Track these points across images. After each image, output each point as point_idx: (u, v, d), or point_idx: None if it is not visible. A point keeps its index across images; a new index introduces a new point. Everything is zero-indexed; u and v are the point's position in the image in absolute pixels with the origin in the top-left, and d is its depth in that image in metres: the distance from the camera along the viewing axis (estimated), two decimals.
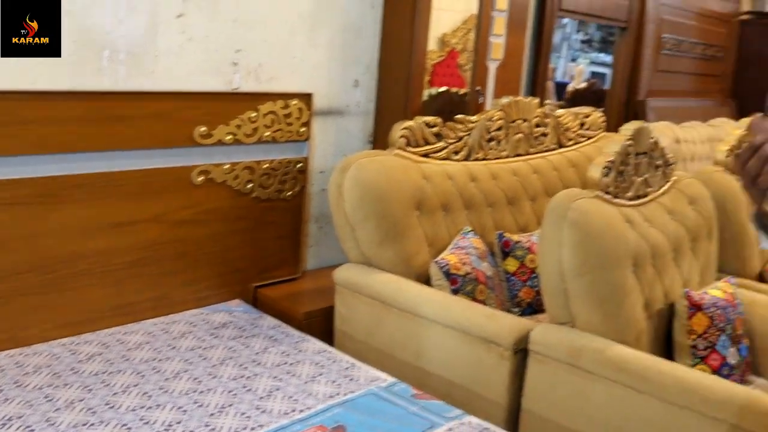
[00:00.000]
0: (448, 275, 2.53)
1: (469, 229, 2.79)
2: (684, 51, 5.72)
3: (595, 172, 2.34)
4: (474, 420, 2.02)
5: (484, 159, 3.04)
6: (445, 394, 2.30)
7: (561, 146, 3.46)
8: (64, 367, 2.17)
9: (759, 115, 3.35)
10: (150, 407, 1.97)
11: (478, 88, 3.55)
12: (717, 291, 2.51)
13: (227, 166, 2.72)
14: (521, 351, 2.26)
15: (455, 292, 2.52)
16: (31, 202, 2.27)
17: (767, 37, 6.41)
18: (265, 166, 2.83)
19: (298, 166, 2.95)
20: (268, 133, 2.80)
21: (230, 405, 2.01)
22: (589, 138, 3.63)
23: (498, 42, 3.58)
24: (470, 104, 3.55)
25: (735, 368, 2.39)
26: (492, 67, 3.61)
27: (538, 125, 3.30)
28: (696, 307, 2.37)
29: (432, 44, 3.36)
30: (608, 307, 2.18)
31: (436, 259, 2.58)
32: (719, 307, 2.41)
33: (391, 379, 2.23)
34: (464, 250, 2.64)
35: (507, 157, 3.15)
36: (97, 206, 2.41)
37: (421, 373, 2.44)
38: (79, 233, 2.39)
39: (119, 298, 2.51)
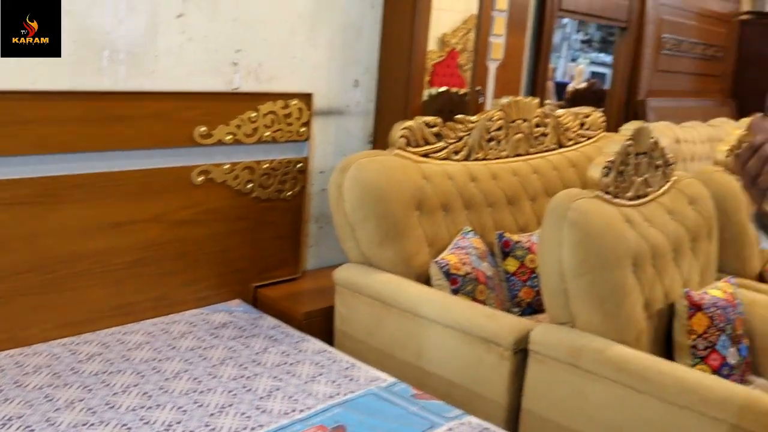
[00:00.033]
0: (448, 275, 2.53)
1: (469, 229, 2.79)
2: (684, 51, 5.72)
3: (595, 172, 2.34)
4: (474, 420, 2.02)
5: (484, 159, 3.04)
6: (445, 394, 2.30)
7: (561, 146, 3.46)
8: (64, 367, 2.17)
9: (759, 115, 3.35)
10: (150, 407, 1.97)
11: (478, 88, 3.55)
12: (717, 291, 2.51)
13: (227, 166, 2.72)
14: (521, 351, 2.26)
15: (455, 292, 2.52)
16: (31, 202, 2.27)
17: (767, 37, 6.41)
18: (265, 166, 2.83)
19: (298, 166, 2.95)
20: (268, 133, 2.80)
21: (230, 405, 2.01)
22: (589, 138, 3.63)
23: (498, 42, 3.59)
24: (470, 104, 3.55)
25: (735, 368, 2.39)
26: (492, 67, 3.61)
27: (538, 125, 3.30)
28: (696, 307, 2.37)
29: (432, 44, 3.37)
30: (608, 307, 2.18)
31: (436, 259, 2.58)
32: (719, 307, 2.41)
33: (391, 379, 2.23)
34: (464, 250, 2.64)
35: (507, 157, 3.15)
36: (97, 206, 2.41)
37: (421, 373, 2.44)
38: (79, 233, 2.39)
39: (119, 298, 2.51)
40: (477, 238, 2.77)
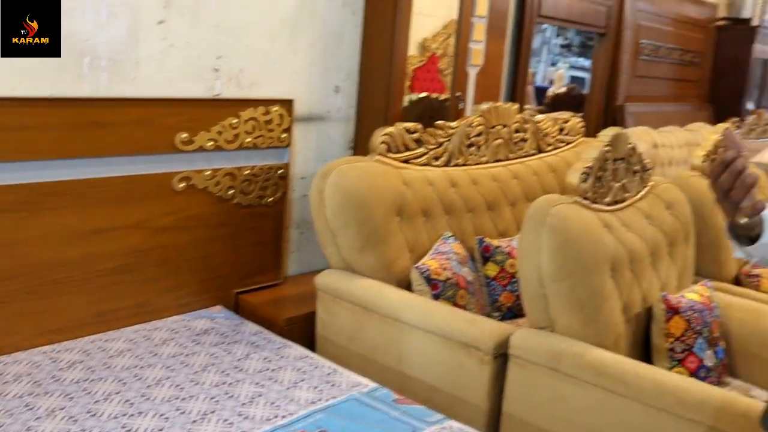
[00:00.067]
0: (429, 280, 2.54)
1: (450, 234, 2.81)
2: (662, 56, 5.79)
3: (573, 178, 2.36)
4: (455, 424, 2.04)
5: (464, 165, 3.06)
6: (427, 398, 2.31)
7: (540, 151, 3.49)
8: (45, 375, 2.16)
9: (730, 128, 3.40)
10: (132, 415, 1.97)
11: (458, 93, 3.57)
12: (694, 294, 2.54)
13: (208, 173, 2.72)
14: (501, 355, 2.28)
15: (436, 297, 2.53)
16: (12, 209, 2.26)
17: (743, 42, 6.51)
18: (246, 172, 2.84)
19: (279, 172, 2.96)
20: (249, 140, 2.81)
21: (212, 412, 2.02)
22: (568, 143, 3.67)
23: (478, 48, 3.61)
24: (450, 110, 3.57)
25: (712, 370, 2.43)
26: (472, 73, 3.63)
27: (517, 131, 3.33)
28: (673, 311, 2.41)
29: (413, 49, 3.39)
30: (587, 311, 2.21)
31: (416, 265, 2.60)
32: (696, 311, 2.44)
33: (372, 385, 2.24)
34: (445, 256, 2.66)
35: (487, 162, 3.17)
36: (79, 213, 2.41)
37: (403, 377, 2.45)
38: (61, 240, 2.39)
39: (100, 305, 2.51)
40: (457, 244, 2.79)
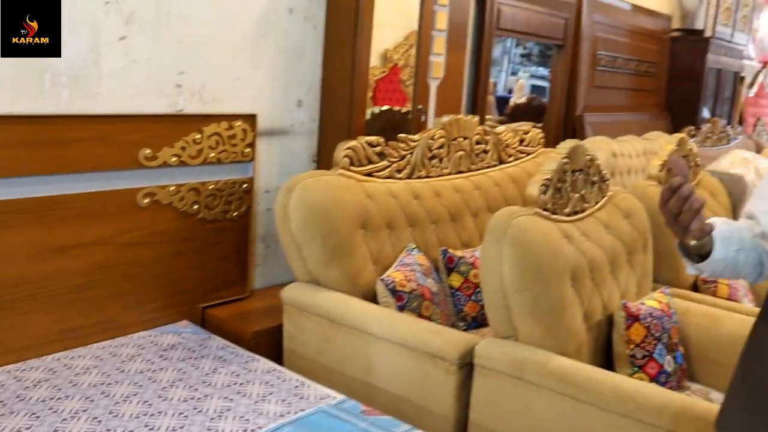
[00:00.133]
0: (394, 292, 2.57)
1: (414, 246, 2.84)
2: (618, 67, 5.90)
3: (533, 190, 2.41)
4: None
5: (426, 177, 3.10)
6: (394, 409, 2.33)
7: (501, 162, 3.54)
8: (9, 395, 2.14)
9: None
10: None
11: (419, 106, 3.61)
12: (653, 301, 2.60)
13: (173, 188, 2.73)
14: (467, 365, 2.31)
15: (401, 308, 2.56)
16: None
17: (697, 53, 6.67)
18: (210, 187, 2.85)
19: (244, 186, 2.97)
20: (213, 155, 2.82)
21: (182, 427, 2.02)
22: (529, 154, 3.72)
23: (438, 61, 3.65)
24: (413, 122, 3.60)
25: (671, 375, 2.49)
26: (433, 86, 3.67)
27: (478, 142, 3.38)
28: (633, 318, 2.46)
29: (374, 60, 3.42)
30: (549, 320, 2.25)
31: (381, 277, 2.62)
32: (655, 317, 2.50)
33: (340, 397, 2.26)
34: (409, 267, 2.69)
35: (449, 174, 3.21)
36: (42, 230, 2.40)
37: (370, 389, 2.47)
38: (24, 257, 2.37)
39: (66, 322, 2.50)
40: (421, 255, 2.82)
